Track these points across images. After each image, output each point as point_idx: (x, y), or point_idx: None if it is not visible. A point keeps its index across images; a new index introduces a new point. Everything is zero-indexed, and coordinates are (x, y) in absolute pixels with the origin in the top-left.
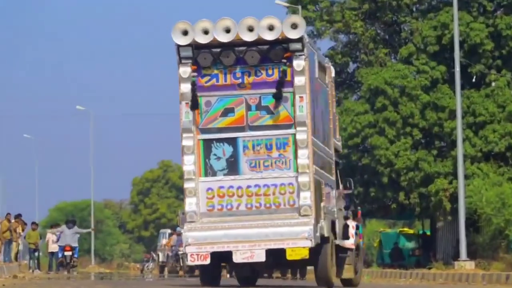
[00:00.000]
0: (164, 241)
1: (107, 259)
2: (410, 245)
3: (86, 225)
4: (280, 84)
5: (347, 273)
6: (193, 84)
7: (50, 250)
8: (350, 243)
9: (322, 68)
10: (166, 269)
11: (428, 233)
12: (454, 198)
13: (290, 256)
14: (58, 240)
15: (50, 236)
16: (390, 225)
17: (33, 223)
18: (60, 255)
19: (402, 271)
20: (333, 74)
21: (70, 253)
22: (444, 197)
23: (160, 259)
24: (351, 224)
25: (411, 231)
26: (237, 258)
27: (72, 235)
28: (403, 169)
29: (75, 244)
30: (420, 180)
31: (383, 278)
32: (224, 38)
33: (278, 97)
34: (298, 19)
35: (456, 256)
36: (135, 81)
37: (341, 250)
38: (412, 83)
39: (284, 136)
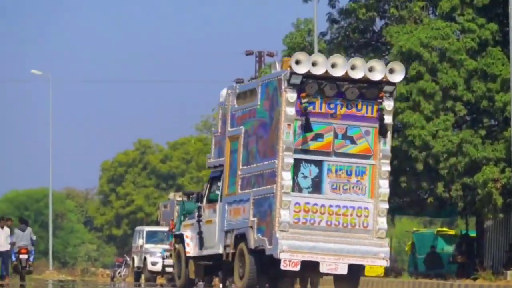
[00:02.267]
0: (140, 241)
1: (69, 264)
2: (450, 249)
3: (43, 220)
4: (382, 120)
5: None
6: (305, 109)
7: None
8: None
9: None
10: (143, 276)
11: (473, 234)
12: (507, 191)
13: (368, 272)
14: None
15: None
16: (426, 224)
17: None
18: (14, 258)
19: (440, 282)
20: None
21: (26, 256)
22: (495, 189)
23: (136, 264)
24: None
25: (452, 232)
26: (323, 269)
27: (27, 235)
28: (443, 154)
29: (31, 247)
30: (464, 167)
31: None
32: (335, 73)
33: (383, 133)
34: (398, 65)
35: (508, 264)
36: (105, 42)
37: None
38: (455, 45)
39: (363, 165)
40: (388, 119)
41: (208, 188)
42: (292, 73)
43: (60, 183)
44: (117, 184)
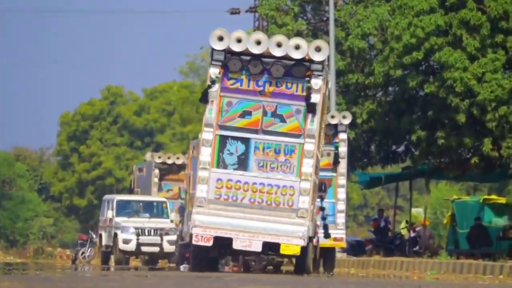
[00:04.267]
0: (110, 213)
1: (19, 242)
2: (501, 221)
3: None
4: (308, 99)
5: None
6: (213, 82)
7: None
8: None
9: (326, 83)
10: (112, 257)
11: None
12: None
13: (283, 250)
14: None
15: None
16: (469, 191)
17: None
18: None
19: (488, 263)
20: (329, 85)
21: None
22: None
23: (104, 242)
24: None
25: (502, 200)
26: (236, 245)
27: None
28: (491, 102)
29: None
30: None
31: (456, 273)
32: (256, 50)
33: (312, 111)
34: (322, 43)
35: None
36: None
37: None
38: None
39: (292, 144)
40: (316, 97)
41: None
42: (213, 49)
43: (8, 142)
44: (80, 143)
